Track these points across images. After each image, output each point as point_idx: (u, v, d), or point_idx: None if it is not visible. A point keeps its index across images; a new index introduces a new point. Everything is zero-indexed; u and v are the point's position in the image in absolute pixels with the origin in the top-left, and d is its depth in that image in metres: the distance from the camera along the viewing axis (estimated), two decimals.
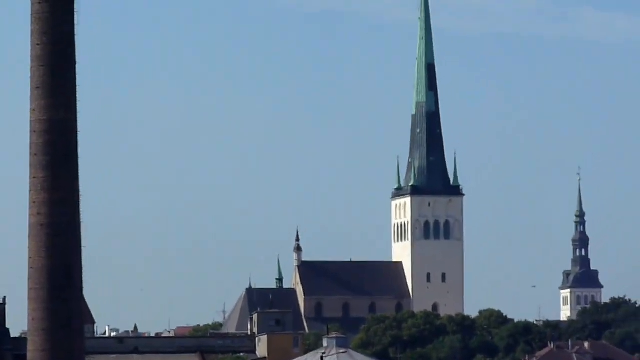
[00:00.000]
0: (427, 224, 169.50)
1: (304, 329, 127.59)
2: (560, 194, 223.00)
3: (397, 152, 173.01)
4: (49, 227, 53.63)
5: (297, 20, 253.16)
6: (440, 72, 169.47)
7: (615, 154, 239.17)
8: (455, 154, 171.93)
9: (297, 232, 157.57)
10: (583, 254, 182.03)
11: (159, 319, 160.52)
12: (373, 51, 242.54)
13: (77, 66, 45.21)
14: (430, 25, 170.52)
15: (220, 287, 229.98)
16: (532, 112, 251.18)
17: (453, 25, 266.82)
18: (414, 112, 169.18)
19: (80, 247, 56.35)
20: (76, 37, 43.43)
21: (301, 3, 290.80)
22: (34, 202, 51.63)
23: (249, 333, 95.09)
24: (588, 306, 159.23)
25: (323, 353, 70.50)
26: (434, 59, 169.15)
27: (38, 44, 47.91)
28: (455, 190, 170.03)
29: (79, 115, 45.78)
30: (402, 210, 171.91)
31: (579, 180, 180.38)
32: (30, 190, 52.46)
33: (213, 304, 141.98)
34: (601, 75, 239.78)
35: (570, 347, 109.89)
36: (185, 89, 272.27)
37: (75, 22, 45.47)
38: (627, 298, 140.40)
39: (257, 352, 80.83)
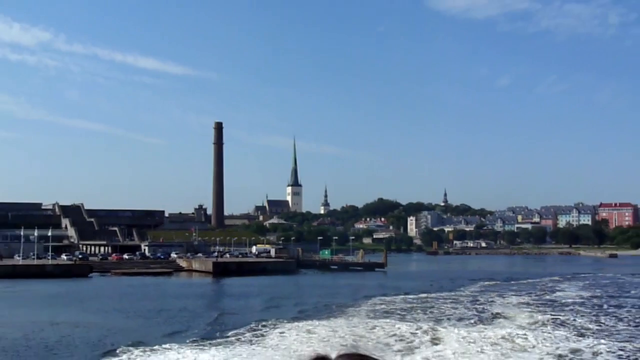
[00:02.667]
0: (295, 192, 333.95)
1: None
2: None
3: (287, 177, 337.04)
4: None
5: None
6: (299, 159, 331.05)
7: None
8: (301, 178, 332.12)
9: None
10: None
11: None
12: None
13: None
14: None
15: None
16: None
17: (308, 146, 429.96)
18: (291, 169, 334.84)
19: None
20: None
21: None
22: None
23: None
24: None
25: None
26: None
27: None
28: (299, 184, 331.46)
29: None
30: (291, 188, 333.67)
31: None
32: None
33: None
34: None
35: None
36: None
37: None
38: None
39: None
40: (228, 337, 36.73)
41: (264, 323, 40.80)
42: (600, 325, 38.59)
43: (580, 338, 33.11)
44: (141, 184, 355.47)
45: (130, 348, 32.45)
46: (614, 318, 42.21)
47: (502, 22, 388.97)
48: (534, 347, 30.49)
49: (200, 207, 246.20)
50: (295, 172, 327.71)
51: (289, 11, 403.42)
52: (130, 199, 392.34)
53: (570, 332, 35.25)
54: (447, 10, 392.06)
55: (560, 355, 28.62)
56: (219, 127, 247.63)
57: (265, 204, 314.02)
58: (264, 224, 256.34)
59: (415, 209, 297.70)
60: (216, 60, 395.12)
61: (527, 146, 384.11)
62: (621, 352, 29.36)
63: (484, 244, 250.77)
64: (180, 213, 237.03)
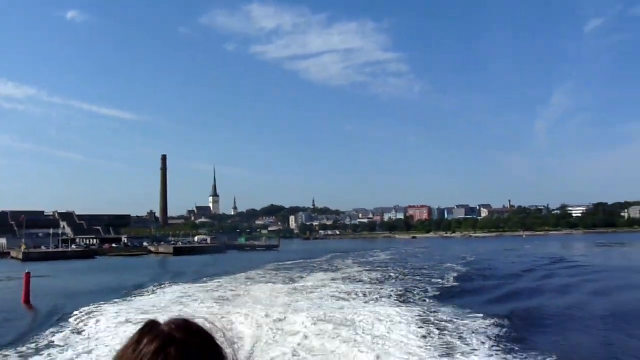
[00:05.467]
0: (215, 200, 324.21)
1: None
2: None
3: (209, 190, 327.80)
4: None
5: None
6: (217, 178, 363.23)
7: None
8: (219, 191, 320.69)
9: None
10: None
11: None
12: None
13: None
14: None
15: None
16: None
17: (224, 169, 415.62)
18: (212, 185, 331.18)
19: None
20: None
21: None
22: None
23: None
24: None
25: None
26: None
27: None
28: (217, 195, 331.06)
29: None
30: (212, 198, 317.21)
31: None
32: None
33: None
34: None
35: None
36: None
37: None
38: None
39: None
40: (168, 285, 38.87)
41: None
42: (388, 271, 45.89)
43: (378, 276, 41.04)
44: (108, 195, 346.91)
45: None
46: (398, 268, 48.91)
47: (348, 88, 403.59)
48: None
49: (152, 212, 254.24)
50: (214, 187, 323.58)
51: (205, 77, 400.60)
52: (104, 206, 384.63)
53: (376, 272, 44.16)
54: (313, 79, 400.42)
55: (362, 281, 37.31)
56: (164, 158, 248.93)
57: (195, 209, 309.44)
58: (196, 222, 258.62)
59: (294, 210, 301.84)
60: (160, 110, 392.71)
61: (365, 168, 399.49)
62: (390, 287, 33.28)
63: (338, 233, 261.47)
64: (137, 216, 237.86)
